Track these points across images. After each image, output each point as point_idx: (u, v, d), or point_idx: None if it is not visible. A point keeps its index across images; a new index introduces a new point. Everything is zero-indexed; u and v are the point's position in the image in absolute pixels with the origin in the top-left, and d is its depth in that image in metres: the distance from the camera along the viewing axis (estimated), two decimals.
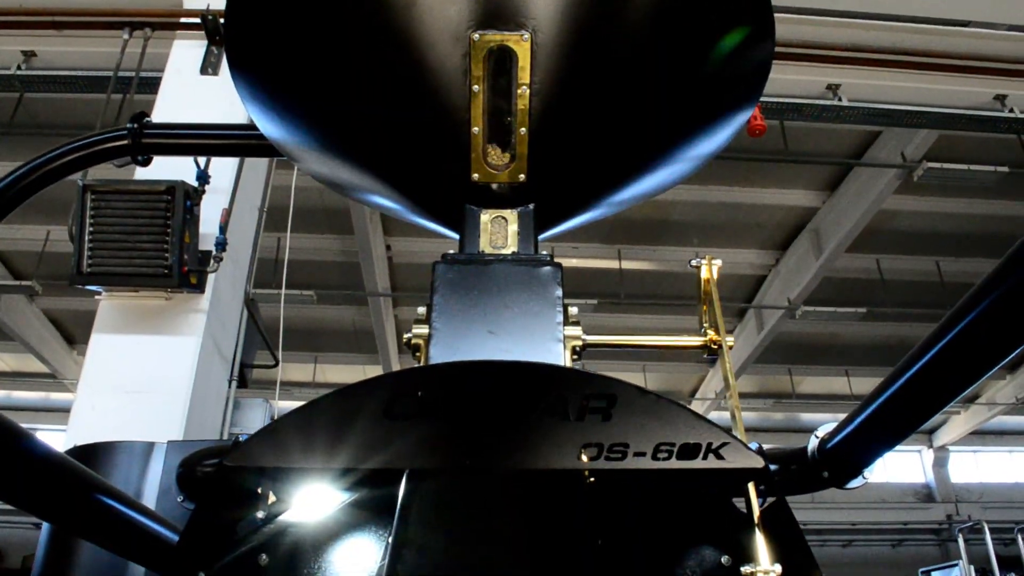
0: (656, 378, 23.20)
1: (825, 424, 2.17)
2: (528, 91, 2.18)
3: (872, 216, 14.40)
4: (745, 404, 23.69)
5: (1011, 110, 10.97)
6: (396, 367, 18.70)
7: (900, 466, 27.49)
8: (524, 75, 2.15)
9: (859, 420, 1.96)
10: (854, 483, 2.13)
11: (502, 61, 2.15)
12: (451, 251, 2.31)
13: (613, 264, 16.66)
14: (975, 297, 1.49)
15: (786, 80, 10.41)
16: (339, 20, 2.23)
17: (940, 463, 27.58)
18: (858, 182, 14.35)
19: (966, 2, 9.85)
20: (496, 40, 2.11)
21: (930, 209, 15.49)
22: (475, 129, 2.23)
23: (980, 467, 28.13)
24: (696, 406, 23.31)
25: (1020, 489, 27.50)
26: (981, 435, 27.00)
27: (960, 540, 19.48)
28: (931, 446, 27.58)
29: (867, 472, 2.10)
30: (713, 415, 21.87)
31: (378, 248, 15.70)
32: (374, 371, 19.91)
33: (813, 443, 2.15)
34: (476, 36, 2.11)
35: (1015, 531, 19.74)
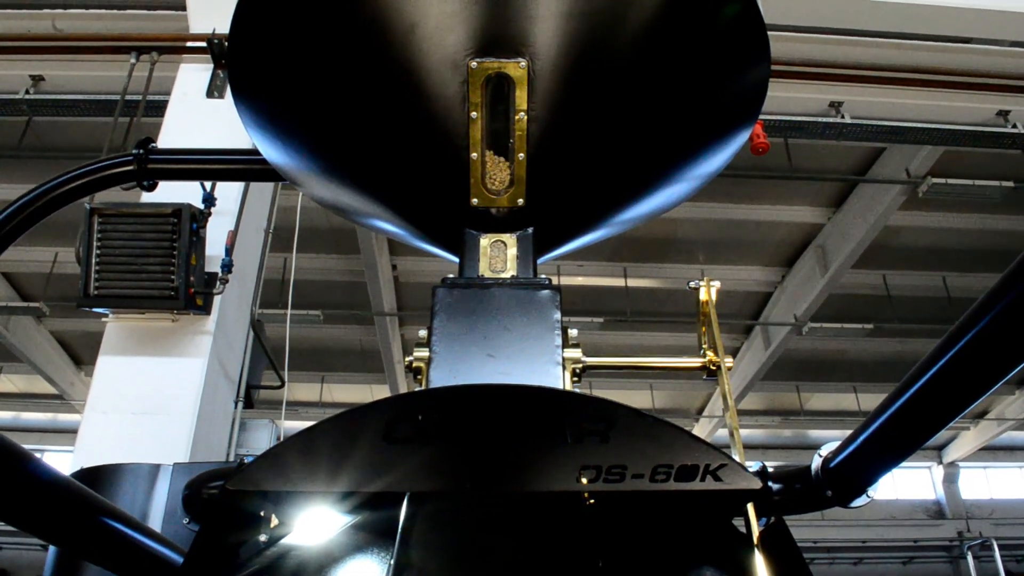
0: (663, 396, 23.14)
1: (828, 443, 2.17)
2: (526, 117, 2.20)
3: (877, 232, 14.39)
4: (753, 421, 23.60)
5: (1014, 125, 10.97)
6: (403, 386, 18.70)
7: (910, 483, 27.29)
8: (522, 101, 2.18)
9: (862, 439, 1.95)
10: (858, 502, 2.11)
11: (500, 88, 2.18)
12: (451, 275, 2.33)
13: (619, 282, 16.67)
14: (976, 313, 1.46)
15: (788, 98, 10.42)
16: (340, 47, 2.25)
17: (950, 479, 27.36)
18: (863, 198, 14.36)
19: (968, 19, 9.85)
20: (494, 67, 2.14)
21: (936, 225, 15.47)
22: (473, 155, 2.26)
23: (991, 483, 27.93)
24: (703, 423, 23.24)
25: None
26: (991, 451, 26.81)
27: (969, 557, 19.32)
28: (941, 462, 27.38)
29: (871, 491, 2.09)
30: (720, 432, 21.81)
31: (384, 268, 15.73)
32: (381, 390, 19.95)
33: (816, 462, 2.14)
34: (474, 64, 2.14)
35: None
